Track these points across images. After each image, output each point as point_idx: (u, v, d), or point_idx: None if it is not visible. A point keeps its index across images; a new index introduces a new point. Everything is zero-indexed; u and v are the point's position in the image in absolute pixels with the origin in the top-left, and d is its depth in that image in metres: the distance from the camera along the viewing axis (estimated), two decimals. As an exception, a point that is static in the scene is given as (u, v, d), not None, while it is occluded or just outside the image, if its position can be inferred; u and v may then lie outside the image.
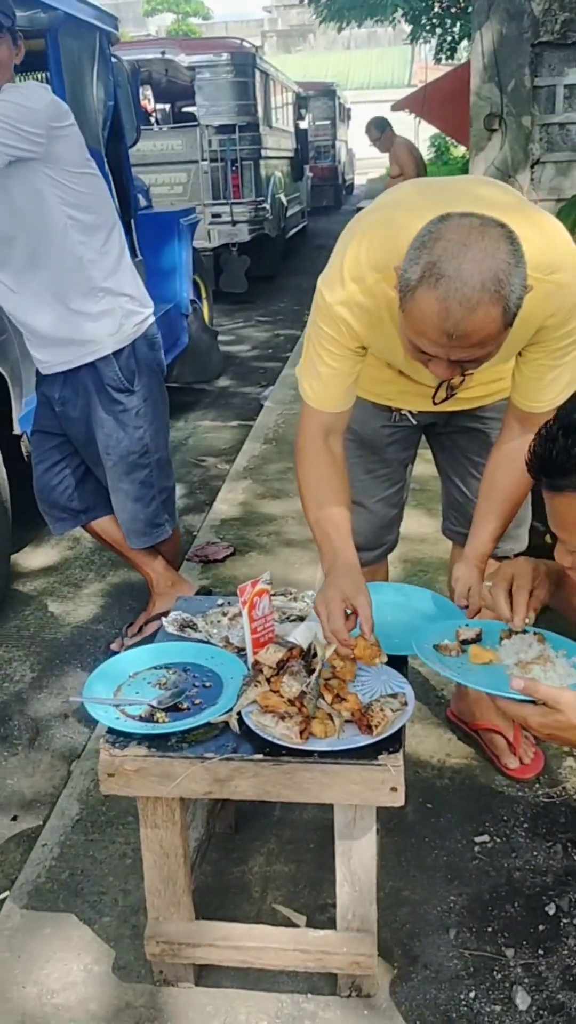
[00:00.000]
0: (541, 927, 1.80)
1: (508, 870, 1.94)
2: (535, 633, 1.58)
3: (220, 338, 6.24)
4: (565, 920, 1.81)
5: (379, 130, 7.75)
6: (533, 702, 1.36)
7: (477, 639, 1.63)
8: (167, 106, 10.46)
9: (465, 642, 1.62)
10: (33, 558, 3.68)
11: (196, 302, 5.86)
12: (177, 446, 5.00)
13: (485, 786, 2.18)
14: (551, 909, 1.83)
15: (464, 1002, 1.66)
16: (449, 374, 1.50)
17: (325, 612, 1.61)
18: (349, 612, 1.61)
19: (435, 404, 1.67)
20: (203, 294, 6.42)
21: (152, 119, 9.43)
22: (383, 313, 1.63)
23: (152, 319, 2.68)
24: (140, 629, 2.84)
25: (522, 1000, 1.64)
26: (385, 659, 1.63)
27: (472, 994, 1.67)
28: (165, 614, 2.74)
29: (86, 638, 3.10)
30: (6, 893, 2.00)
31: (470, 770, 2.24)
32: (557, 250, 1.59)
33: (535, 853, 1.98)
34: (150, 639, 2.67)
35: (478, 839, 2.02)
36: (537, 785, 2.17)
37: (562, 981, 1.68)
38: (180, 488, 4.35)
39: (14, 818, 2.28)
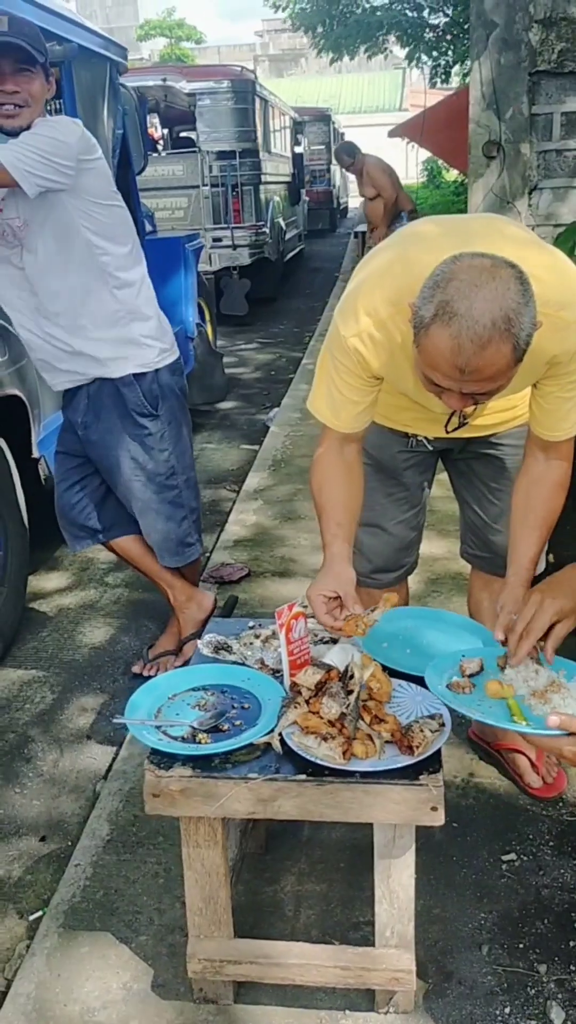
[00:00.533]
0: (572, 943, 1.83)
1: (536, 887, 1.98)
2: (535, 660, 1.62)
3: (223, 360, 6.31)
4: (595, 936, 1.84)
5: (350, 156, 7.59)
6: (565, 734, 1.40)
7: (481, 670, 1.66)
8: (166, 131, 10.59)
9: (472, 676, 1.65)
10: (48, 580, 3.72)
11: (201, 325, 5.93)
12: (185, 468, 5.04)
13: (509, 805, 2.22)
14: (581, 925, 1.87)
15: (500, 1017, 1.69)
16: (461, 405, 1.57)
17: (311, 607, 1.73)
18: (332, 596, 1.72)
19: (448, 432, 1.74)
20: (207, 317, 6.49)
21: (159, 146, 9.55)
22: (396, 347, 1.70)
23: (176, 354, 2.73)
24: (180, 651, 2.87)
25: (557, 1015, 1.68)
26: (366, 628, 1.71)
27: (507, 1009, 1.70)
28: (197, 635, 2.81)
29: (104, 659, 3.13)
30: (40, 912, 2.03)
31: (494, 789, 2.27)
32: (567, 288, 1.66)
33: (562, 871, 2.02)
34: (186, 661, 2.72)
35: (505, 857, 2.06)
36: (560, 804, 2.21)
37: (595, 996, 1.72)
38: (190, 510, 4.39)
39: (42, 838, 2.31)
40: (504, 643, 1.66)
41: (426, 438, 2.09)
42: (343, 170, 8.38)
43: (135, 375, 2.60)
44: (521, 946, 1.84)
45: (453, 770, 2.34)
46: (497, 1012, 1.70)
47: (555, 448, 1.84)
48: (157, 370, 2.64)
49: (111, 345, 2.57)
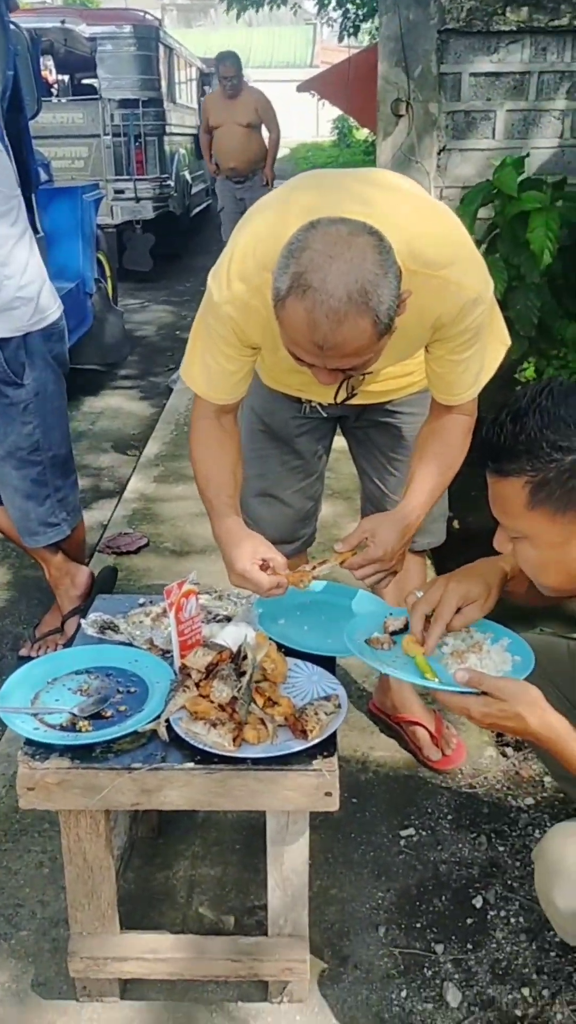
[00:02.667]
0: (469, 921, 1.81)
1: (434, 863, 1.95)
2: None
3: (124, 319, 6.08)
4: (492, 913, 1.82)
5: (236, 67, 6.98)
6: (474, 692, 1.35)
7: (405, 628, 1.61)
8: (66, 77, 10.12)
9: (395, 633, 1.60)
10: None
11: (100, 281, 5.69)
12: (83, 432, 4.86)
13: (409, 779, 2.19)
14: (478, 902, 1.84)
15: (396, 1001, 1.65)
16: (331, 380, 1.48)
17: (249, 582, 1.62)
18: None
19: (336, 402, 1.65)
20: (107, 273, 6.24)
21: (53, 91, 9.10)
22: (271, 314, 1.53)
23: (56, 315, 2.50)
24: (63, 629, 2.72)
25: (453, 997, 1.65)
26: (311, 580, 1.66)
27: (403, 993, 1.66)
28: (79, 611, 2.67)
29: (-8, 635, 2.97)
30: None
31: (393, 763, 2.23)
32: (449, 245, 1.58)
33: (460, 845, 1.99)
34: (70, 641, 2.58)
35: (404, 833, 2.02)
36: (460, 776, 2.19)
37: (491, 975, 1.69)
38: (88, 477, 4.23)
39: None
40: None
41: (320, 404, 2.00)
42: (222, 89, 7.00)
43: None
44: (418, 926, 1.80)
45: (352, 744, 2.29)
46: (393, 996, 1.66)
47: (458, 408, 1.78)
48: (27, 335, 2.40)
49: None
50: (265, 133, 7.31)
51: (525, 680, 1.39)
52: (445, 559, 3.06)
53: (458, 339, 1.63)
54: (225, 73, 6.99)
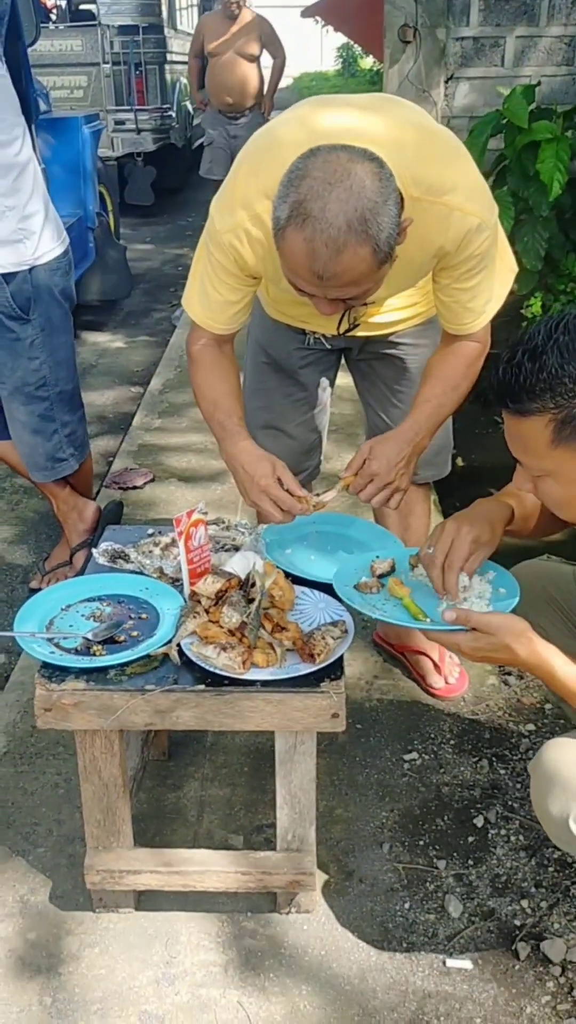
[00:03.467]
0: (470, 839, 1.87)
1: (437, 785, 2.01)
2: None
3: (127, 254, 6.01)
4: (492, 831, 1.88)
5: None
6: (463, 629, 1.39)
7: (392, 570, 1.64)
8: (64, 2, 9.82)
9: (382, 576, 1.63)
10: None
11: (102, 214, 5.61)
12: (87, 368, 4.85)
13: (412, 705, 2.24)
14: (479, 821, 1.91)
15: (399, 912, 1.72)
16: (331, 310, 1.48)
17: (267, 500, 1.65)
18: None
19: (339, 333, 1.65)
20: (109, 206, 6.15)
21: (51, 16, 8.84)
22: (272, 243, 1.52)
23: (61, 249, 2.47)
24: (71, 562, 2.76)
25: (454, 908, 1.72)
26: (317, 507, 1.68)
27: (407, 905, 1.74)
28: (86, 544, 2.70)
29: (1, 568, 3.01)
30: None
31: (397, 691, 2.29)
32: (451, 171, 1.57)
33: (462, 768, 2.05)
34: (84, 569, 2.61)
35: (407, 757, 2.08)
36: (463, 703, 2.24)
37: (491, 888, 1.76)
38: (93, 413, 4.23)
39: None
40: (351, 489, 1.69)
41: (323, 336, 2.00)
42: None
43: (3, 274, 2.34)
44: (421, 843, 1.87)
45: (357, 673, 2.34)
46: (397, 908, 1.73)
47: (468, 336, 1.78)
48: (32, 268, 2.38)
49: None
50: (266, 61, 6.63)
51: (512, 612, 1.43)
52: (449, 495, 3.10)
53: (463, 267, 1.63)
54: None
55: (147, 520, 3.10)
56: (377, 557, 1.66)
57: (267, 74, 6.71)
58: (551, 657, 1.35)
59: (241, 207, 1.58)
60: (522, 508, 1.58)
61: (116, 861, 1.67)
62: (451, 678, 2.28)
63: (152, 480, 3.41)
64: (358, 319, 1.62)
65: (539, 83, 5.04)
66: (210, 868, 1.68)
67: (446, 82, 5.39)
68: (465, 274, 1.64)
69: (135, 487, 3.36)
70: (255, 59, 6.46)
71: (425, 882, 1.78)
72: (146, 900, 1.74)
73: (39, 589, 2.72)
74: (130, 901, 1.72)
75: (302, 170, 1.37)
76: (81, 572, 2.66)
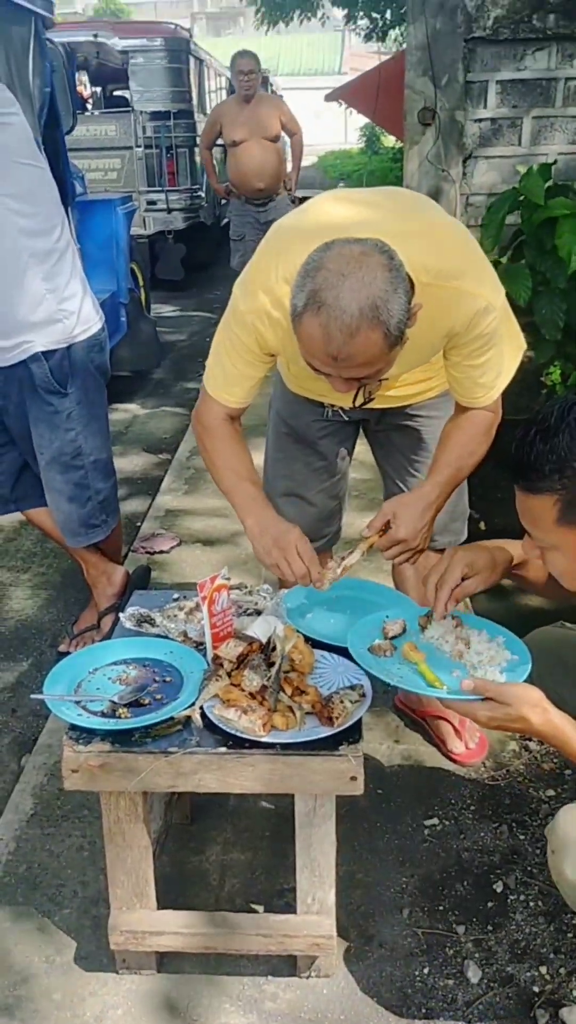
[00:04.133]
0: (490, 904, 1.88)
1: (457, 851, 2.02)
2: (454, 617, 1.66)
3: (157, 327, 6.21)
4: (512, 897, 1.89)
5: (255, 62, 6.00)
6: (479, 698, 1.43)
7: (403, 631, 1.70)
8: (98, 89, 10.31)
9: (394, 638, 1.68)
10: (-26, 551, 3.64)
11: (134, 290, 5.82)
12: (117, 436, 4.98)
13: (433, 771, 2.26)
14: (499, 887, 1.91)
15: (419, 978, 1.73)
16: (347, 389, 1.58)
17: (287, 565, 1.73)
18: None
19: (355, 406, 1.73)
20: (140, 282, 6.37)
21: (87, 105, 9.27)
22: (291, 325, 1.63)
23: (98, 327, 2.60)
24: (99, 626, 2.83)
25: (473, 974, 1.72)
26: (331, 583, 1.75)
27: (426, 970, 1.74)
28: (114, 608, 2.77)
29: (31, 632, 3.09)
30: (-38, 889, 2.01)
31: (418, 755, 2.31)
32: (458, 257, 1.68)
33: (482, 834, 2.06)
34: (111, 633, 2.68)
35: (427, 822, 2.10)
36: (483, 769, 2.26)
37: (510, 954, 1.76)
38: (122, 478, 4.33)
39: (-34, 814, 2.28)
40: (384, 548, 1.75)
41: (341, 408, 2.09)
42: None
43: (43, 352, 2.47)
44: (441, 908, 1.88)
45: (378, 737, 2.37)
46: (416, 973, 1.74)
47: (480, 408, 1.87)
48: (70, 346, 2.51)
49: (16, 328, 2.42)
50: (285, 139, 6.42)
51: (527, 679, 1.47)
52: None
53: (472, 345, 1.72)
54: (243, 68, 5.96)
55: (173, 584, 3.18)
56: (387, 617, 1.72)
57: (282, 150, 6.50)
58: (565, 727, 1.39)
59: (263, 292, 1.70)
60: (527, 556, 1.63)
61: (140, 922, 1.69)
62: (471, 743, 2.30)
63: (178, 545, 3.49)
64: (372, 394, 1.71)
65: (555, 161, 5.21)
66: (232, 930, 1.70)
67: (465, 161, 5.58)
68: (475, 351, 1.74)
69: (162, 551, 3.44)
70: (277, 139, 6.18)
71: (444, 947, 1.79)
72: (168, 962, 1.76)
73: (67, 652, 2.80)
74: (152, 963, 1.74)
75: (318, 262, 1.47)
76: (108, 636, 2.74)
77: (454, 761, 2.28)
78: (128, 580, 2.86)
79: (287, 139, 6.47)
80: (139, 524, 3.75)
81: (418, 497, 1.82)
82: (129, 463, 4.62)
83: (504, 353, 1.80)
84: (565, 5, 5.28)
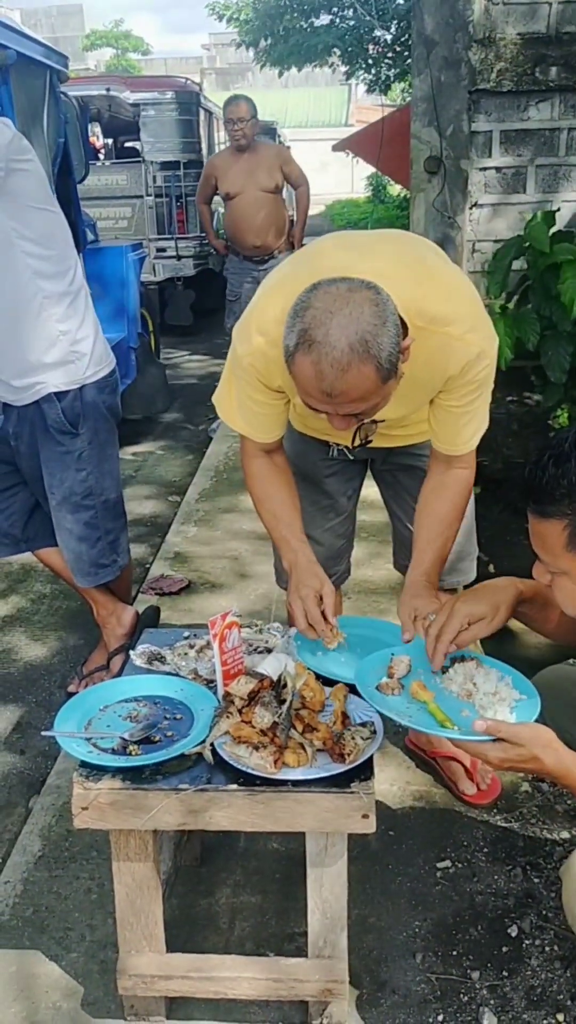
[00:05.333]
0: (504, 949, 1.85)
1: (470, 894, 1.99)
2: (470, 659, 1.65)
3: (167, 371, 6.28)
4: (527, 941, 1.86)
5: (250, 109, 5.46)
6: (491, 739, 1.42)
7: (409, 670, 1.68)
8: (110, 140, 10.54)
9: (402, 677, 1.66)
10: (-17, 592, 3.65)
11: (144, 335, 5.90)
12: (127, 478, 5.01)
13: (445, 812, 2.23)
14: (513, 931, 1.88)
15: (433, 1025, 1.69)
16: (345, 425, 1.61)
17: (301, 607, 1.78)
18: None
19: (353, 446, 1.76)
20: (150, 327, 6.46)
21: (99, 155, 9.47)
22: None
23: (109, 368, 2.63)
24: (108, 666, 2.82)
25: (489, 1021, 1.69)
26: (343, 638, 1.80)
27: (440, 1017, 1.71)
28: (123, 649, 2.76)
29: (39, 672, 3.08)
30: (-32, 933, 1.98)
31: (430, 797, 2.28)
32: (453, 303, 1.70)
33: (496, 877, 2.03)
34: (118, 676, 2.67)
35: (440, 864, 2.07)
36: (495, 811, 2.23)
37: (527, 1001, 1.73)
38: (132, 520, 4.35)
39: (-27, 856, 2.25)
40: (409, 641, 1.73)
41: (346, 448, 2.10)
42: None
43: (56, 392, 2.50)
44: (455, 953, 1.84)
45: (389, 778, 2.34)
46: (430, 1020, 1.70)
47: (457, 460, 1.90)
48: (82, 387, 2.53)
49: (30, 369, 2.46)
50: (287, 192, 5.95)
51: (538, 717, 1.47)
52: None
53: (464, 389, 1.76)
54: (233, 115, 5.40)
55: (183, 625, 3.17)
56: (393, 654, 1.71)
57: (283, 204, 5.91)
58: None
59: (259, 333, 1.73)
60: (531, 588, 1.62)
61: (148, 966, 1.67)
62: (483, 784, 2.28)
63: (188, 586, 3.49)
64: (370, 436, 1.73)
65: (560, 209, 5.30)
66: (242, 975, 1.67)
67: (470, 209, 5.68)
68: (465, 396, 1.78)
69: (171, 593, 3.44)
70: (277, 191, 5.61)
71: (459, 993, 1.75)
72: (177, 1008, 1.73)
73: (76, 693, 2.79)
74: (161, 1008, 1.71)
75: (306, 302, 1.51)
76: (118, 676, 2.72)
77: (466, 802, 2.25)
78: (138, 620, 2.86)
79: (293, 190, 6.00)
80: (148, 566, 3.76)
81: (423, 591, 1.83)
82: (139, 505, 4.64)
83: (487, 405, 1.84)
84: (567, 58, 5.41)
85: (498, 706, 1.53)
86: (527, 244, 4.36)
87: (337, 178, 26.77)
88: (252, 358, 1.76)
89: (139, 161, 8.48)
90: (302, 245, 5.82)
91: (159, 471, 5.23)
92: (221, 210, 5.83)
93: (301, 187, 5.85)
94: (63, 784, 2.35)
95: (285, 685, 1.65)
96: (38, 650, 3.21)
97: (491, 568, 3.74)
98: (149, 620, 2.94)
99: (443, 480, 1.91)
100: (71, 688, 2.84)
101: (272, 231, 5.61)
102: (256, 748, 1.54)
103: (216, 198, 5.96)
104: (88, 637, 3.21)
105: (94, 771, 1.57)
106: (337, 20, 12.22)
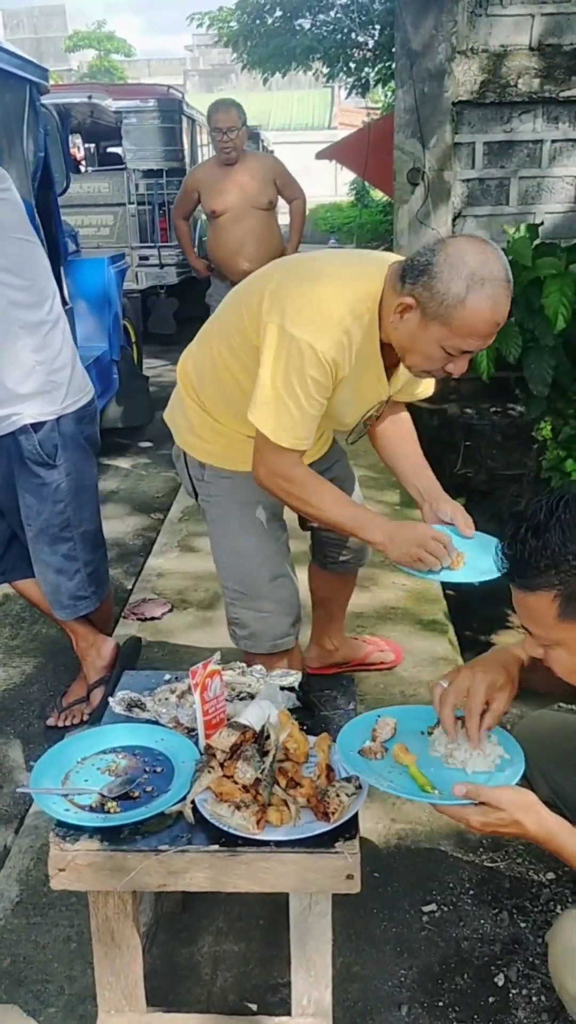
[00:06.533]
0: (491, 999, 1.82)
1: (456, 940, 1.96)
2: (458, 717, 1.60)
3: (150, 380, 6.23)
4: (514, 991, 1.83)
5: (240, 115, 4.81)
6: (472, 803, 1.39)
7: (394, 734, 1.64)
8: (92, 146, 10.47)
9: (385, 741, 1.63)
10: (-38, 616, 3.59)
11: (126, 347, 5.85)
12: (109, 495, 4.96)
13: (431, 852, 2.20)
14: (500, 980, 1.85)
15: None
16: (465, 367, 1.89)
17: (426, 555, 1.93)
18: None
19: (349, 443, 2.26)
20: (132, 338, 6.41)
21: (80, 166, 9.40)
22: (355, 350, 1.91)
23: (87, 398, 2.58)
24: (88, 699, 2.78)
25: (476, 1078, 1.65)
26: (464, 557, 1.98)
27: (427, 1074, 1.67)
28: (103, 681, 2.72)
29: (18, 702, 3.03)
30: (-56, 985, 1.93)
31: (415, 836, 2.25)
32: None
33: (482, 921, 2.00)
34: (100, 708, 2.62)
35: (426, 908, 2.04)
36: (481, 850, 2.20)
37: (514, 1056, 1.70)
38: (112, 540, 4.31)
39: (-51, 900, 2.20)
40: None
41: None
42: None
43: (32, 424, 2.44)
44: (440, 1004, 1.81)
45: (374, 816, 2.31)
46: (416, 1076, 1.67)
47: (395, 405, 2.28)
48: (59, 418, 2.48)
49: (6, 399, 2.40)
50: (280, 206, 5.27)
51: (523, 774, 1.44)
52: (470, 614, 3.14)
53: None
54: (222, 123, 4.72)
55: (166, 652, 3.13)
56: (379, 716, 1.67)
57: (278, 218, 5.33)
58: (561, 831, 1.35)
59: (337, 324, 1.87)
60: (530, 656, 1.59)
61: (128, 1026, 1.63)
62: None
63: (170, 611, 3.45)
64: (367, 427, 2.19)
65: (543, 222, 5.29)
66: (224, 1034, 1.64)
67: (454, 220, 5.66)
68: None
69: (153, 618, 3.39)
70: (271, 208, 5.01)
71: (446, 1049, 1.72)
72: (158, 1068, 1.69)
73: (55, 726, 2.75)
74: (141, 1069, 1.67)
75: (456, 253, 1.76)
76: (97, 710, 2.68)
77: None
78: (118, 652, 2.81)
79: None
80: (130, 588, 3.71)
81: (441, 494, 2.19)
82: (120, 524, 4.59)
83: None
84: (550, 70, 5.40)
85: (481, 765, 1.50)
86: (510, 257, 4.33)
87: (321, 182, 26.69)
88: (334, 350, 1.87)
89: (121, 169, 8.42)
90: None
91: (142, 487, 5.17)
92: (202, 218, 5.35)
93: (297, 201, 5.23)
94: (41, 825, 2.30)
95: (268, 736, 1.61)
96: (16, 679, 3.15)
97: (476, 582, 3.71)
98: (130, 652, 2.90)
99: (397, 419, 2.31)
100: (50, 721, 2.79)
101: (266, 254, 4.71)
102: (238, 807, 1.50)
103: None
104: (70, 665, 3.15)
105: (71, 831, 1.53)
106: (318, 24, 12.22)
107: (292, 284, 1.93)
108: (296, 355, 1.85)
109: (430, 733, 1.63)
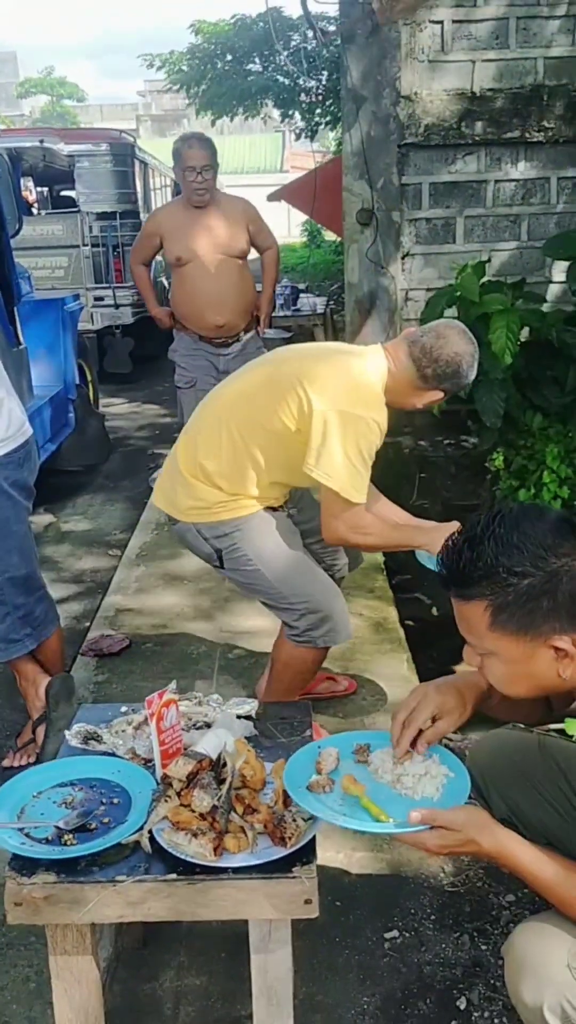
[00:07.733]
0: (454, 1023, 1.82)
1: (419, 965, 1.96)
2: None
3: (106, 419, 6.24)
4: (476, 1014, 1.83)
5: (210, 153, 4.32)
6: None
7: (337, 763, 1.65)
8: (44, 189, 10.55)
9: (331, 772, 1.63)
10: None
11: (82, 386, 5.87)
12: (65, 533, 4.95)
13: (391, 878, 2.21)
14: (462, 1003, 1.86)
15: None
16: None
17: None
18: None
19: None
20: (88, 377, 6.43)
21: (33, 209, 9.47)
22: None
23: (16, 443, 2.55)
24: (33, 737, 2.75)
25: None
26: None
27: None
28: (43, 719, 2.68)
29: (-25, 742, 2.98)
30: None
31: (376, 863, 2.26)
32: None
33: (444, 945, 2.01)
34: (44, 745, 2.60)
35: (388, 935, 2.04)
36: (442, 875, 2.21)
37: (477, 1078, 1.70)
38: (69, 576, 4.30)
39: None
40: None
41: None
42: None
43: None
44: (404, 1030, 1.81)
45: (335, 845, 2.31)
46: None
47: None
48: None
49: None
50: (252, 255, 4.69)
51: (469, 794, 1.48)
52: (428, 645, 3.17)
53: None
54: (194, 162, 4.24)
55: (124, 688, 3.11)
56: (320, 748, 1.67)
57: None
58: (515, 848, 1.38)
59: (377, 398, 2.43)
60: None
61: (88, 1065, 1.60)
62: None
63: (129, 647, 3.43)
64: None
65: (489, 259, 5.43)
66: (186, 1069, 1.62)
67: (403, 258, 5.80)
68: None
69: (112, 654, 3.37)
70: (243, 256, 4.51)
71: (409, 1074, 1.72)
72: None
73: (11, 767, 2.72)
74: None
75: (450, 334, 2.48)
76: (42, 747, 2.64)
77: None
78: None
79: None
80: (88, 624, 3.69)
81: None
82: (78, 561, 4.57)
83: None
84: (491, 114, 5.59)
85: (428, 786, 1.52)
86: (458, 293, 4.44)
87: (274, 223, 27.07)
88: (382, 417, 2.41)
89: (75, 211, 8.50)
90: (270, 323, 5.08)
91: (99, 524, 5.16)
92: (158, 258, 4.97)
93: (270, 250, 4.73)
94: (-1, 865, 2.27)
95: (224, 764, 1.62)
96: (-26, 719, 3.11)
97: (434, 611, 3.77)
98: (58, 690, 2.84)
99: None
100: (6, 762, 2.75)
101: (239, 308, 4.46)
102: (195, 835, 1.50)
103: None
104: (23, 707, 3.12)
105: (27, 864, 1.51)
106: (268, 68, 12.50)
107: (331, 375, 2.42)
108: (364, 429, 2.36)
109: (357, 752, 1.64)
